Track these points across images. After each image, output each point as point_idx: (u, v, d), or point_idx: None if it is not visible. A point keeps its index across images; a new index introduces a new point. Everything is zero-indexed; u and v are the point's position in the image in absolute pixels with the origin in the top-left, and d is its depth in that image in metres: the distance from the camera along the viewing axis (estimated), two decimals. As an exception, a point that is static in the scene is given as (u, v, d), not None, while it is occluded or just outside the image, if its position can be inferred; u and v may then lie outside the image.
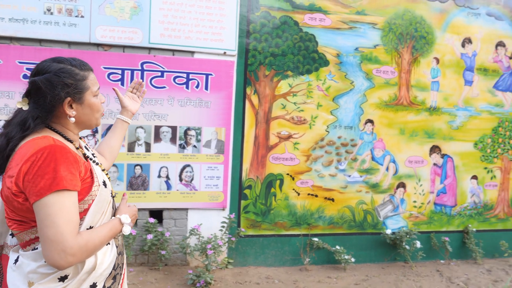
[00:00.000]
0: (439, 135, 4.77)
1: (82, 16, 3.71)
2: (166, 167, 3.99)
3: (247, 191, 4.21)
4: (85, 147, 1.53)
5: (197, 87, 4.01)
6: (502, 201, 5.12)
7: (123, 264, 1.54)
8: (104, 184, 1.43)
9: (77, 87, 1.36)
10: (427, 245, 4.77)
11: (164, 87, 3.94)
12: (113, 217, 1.47)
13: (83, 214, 1.34)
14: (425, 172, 4.77)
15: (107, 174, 1.53)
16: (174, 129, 3.99)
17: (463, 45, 4.81)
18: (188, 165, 4.06)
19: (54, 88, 1.31)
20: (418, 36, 4.62)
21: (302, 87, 4.29)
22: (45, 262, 1.26)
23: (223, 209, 4.15)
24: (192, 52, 4.02)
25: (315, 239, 4.35)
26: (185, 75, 3.98)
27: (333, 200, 4.45)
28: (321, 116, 4.36)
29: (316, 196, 4.40)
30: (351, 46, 4.40)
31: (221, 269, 4.10)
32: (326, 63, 4.33)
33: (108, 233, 1.37)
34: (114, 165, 3.82)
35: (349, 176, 4.49)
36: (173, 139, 3.98)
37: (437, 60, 4.71)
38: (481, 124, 4.94)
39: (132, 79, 3.84)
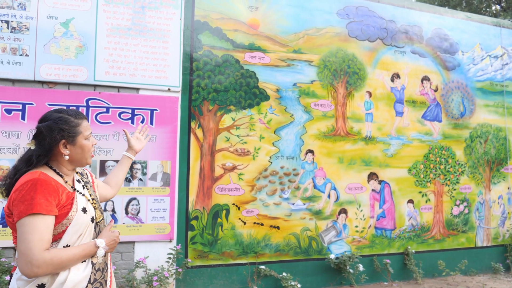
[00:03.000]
0: (376, 162, 5.12)
1: (26, 55, 3.82)
2: (112, 201, 4.04)
3: (193, 222, 4.31)
4: (78, 180, 1.82)
5: (142, 122, 4.15)
6: (438, 222, 5.48)
7: (105, 280, 1.76)
8: (84, 210, 1.70)
9: (71, 132, 1.71)
10: (370, 268, 4.99)
11: (110, 122, 4.05)
12: (91, 240, 1.72)
13: (61, 234, 1.62)
14: (365, 198, 5.06)
15: (94, 203, 1.80)
16: (119, 163, 4.06)
17: (392, 80, 5.27)
18: (134, 198, 4.12)
19: (52, 132, 1.66)
20: (351, 72, 5.03)
21: (244, 120, 4.53)
22: None
23: (170, 241, 4.21)
24: (137, 89, 4.19)
25: (262, 267, 4.47)
26: (130, 111, 4.12)
27: (278, 228, 4.62)
28: (263, 148, 4.59)
29: (262, 224, 4.55)
30: (290, 82, 4.72)
31: (169, 302, 4.11)
32: (266, 97, 4.61)
33: (81, 252, 1.63)
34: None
35: (293, 204, 4.70)
36: (118, 173, 4.05)
37: (370, 94, 5.12)
38: (413, 152, 5.35)
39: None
